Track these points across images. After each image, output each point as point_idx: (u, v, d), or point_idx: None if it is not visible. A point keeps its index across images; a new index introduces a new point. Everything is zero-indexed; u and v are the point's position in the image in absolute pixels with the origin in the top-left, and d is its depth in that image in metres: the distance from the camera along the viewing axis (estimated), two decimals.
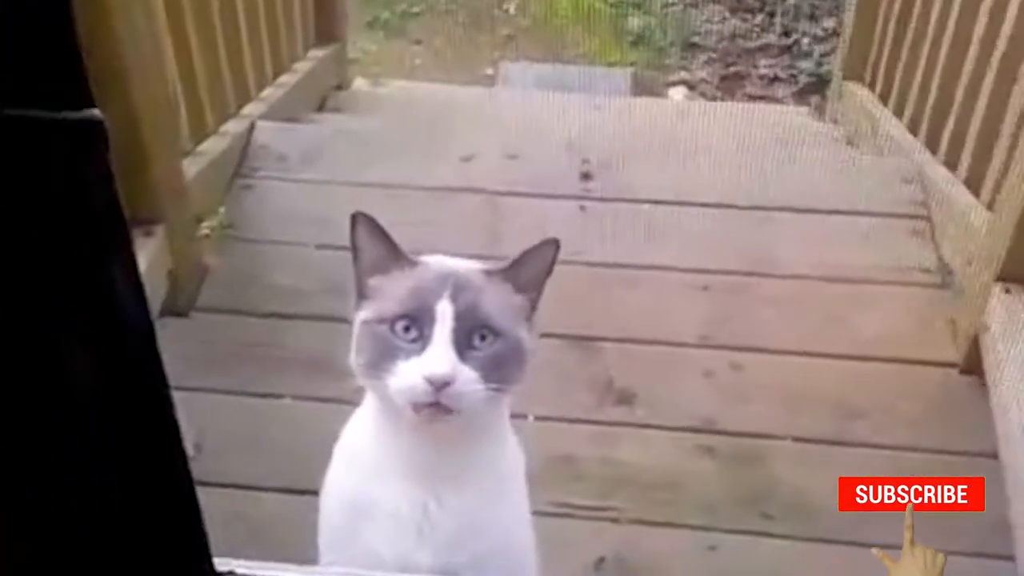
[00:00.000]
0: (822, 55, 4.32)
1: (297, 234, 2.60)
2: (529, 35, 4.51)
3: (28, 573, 0.78)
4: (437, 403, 1.13)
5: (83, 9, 0.53)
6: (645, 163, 2.79)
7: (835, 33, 4.19)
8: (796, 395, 2.28)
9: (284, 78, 3.23)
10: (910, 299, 2.50)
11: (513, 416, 1.31)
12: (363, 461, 1.29)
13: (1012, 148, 2.23)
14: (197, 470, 0.75)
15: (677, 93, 4.30)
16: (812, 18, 4.50)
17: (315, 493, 1.34)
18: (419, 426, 1.18)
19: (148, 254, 2.21)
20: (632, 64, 4.38)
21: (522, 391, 1.22)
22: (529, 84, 4.15)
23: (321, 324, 2.17)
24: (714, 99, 4.29)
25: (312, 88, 3.44)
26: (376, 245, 1.20)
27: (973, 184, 2.52)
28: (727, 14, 4.61)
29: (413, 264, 1.21)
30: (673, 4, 4.69)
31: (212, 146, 2.73)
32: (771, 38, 4.48)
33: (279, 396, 2.24)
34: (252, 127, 2.92)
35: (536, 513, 1.39)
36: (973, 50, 2.55)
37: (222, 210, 2.68)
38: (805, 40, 4.43)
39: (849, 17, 3.42)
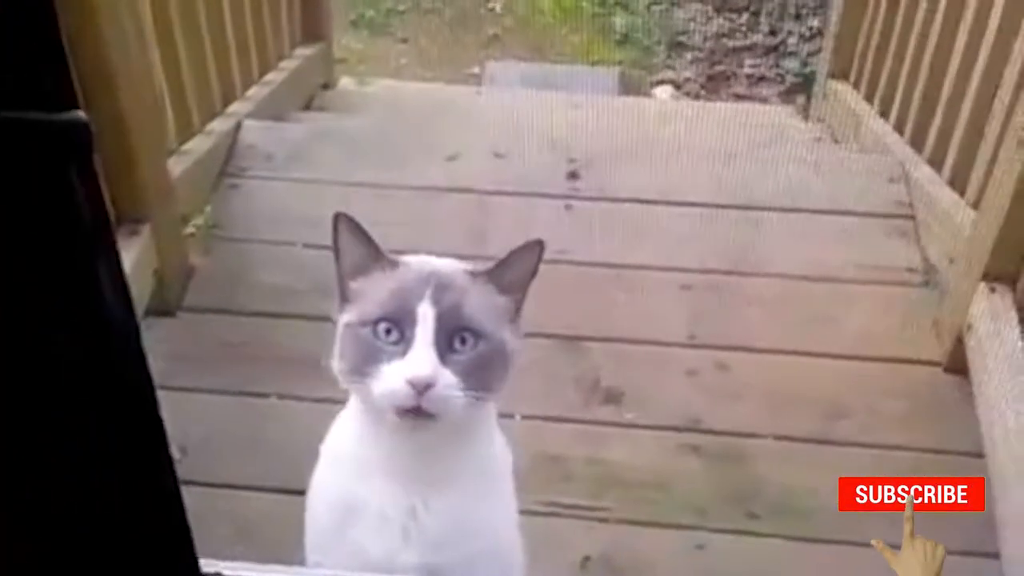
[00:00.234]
0: (808, 54, 4.33)
1: (284, 233, 2.60)
2: (515, 34, 4.51)
3: (12, 571, 0.78)
4: (419, 408, 1.12)
5: (68, 9, 0.53)
6: (631, 162, 2.79)
7: (820, 32, 4.19)
8: (782, 394, 2.28)
9: (270, 76, 3.22)
10: (895, 298, 2.51)
11: (500, 416, 1.31)
12: (349, 462, 1.28)
13: (997, 147, 2.23)
14: (183, 470, 0.75)
15: (663, 92, 4.30)
16: (798, 17, 4.50)
17: (303, 493, 1.34)
18: (402, 431, 1.18)
19: (134, 253, 2.20)
20: (618, 63, 4.38)
21: (509, 391, 1.22)
22: (515, 83, 4.14)
23: (308, 323, 2.16)
24: (700, 98, 4.29)
25: (298, 87, 3.43)
26: (357, 246, 1.19)
27: (958, 183, 2.53)
28: (712, 13, 4.61)
29: (394, 265, 1.20)
30: (658, 3, 4.69)
31: (198, 145, 2.72)
32: (757, 37, 4.49)
33: (266, 395, 2.24)
34: (238, 126, 2.91)
35: (523, 512, 1.39)
36: (959, 49, 2.56)
37: (208, 209, 2.68)
38: (791, 39, 4.44)
39: (834, 16, 3.43)
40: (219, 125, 2.85)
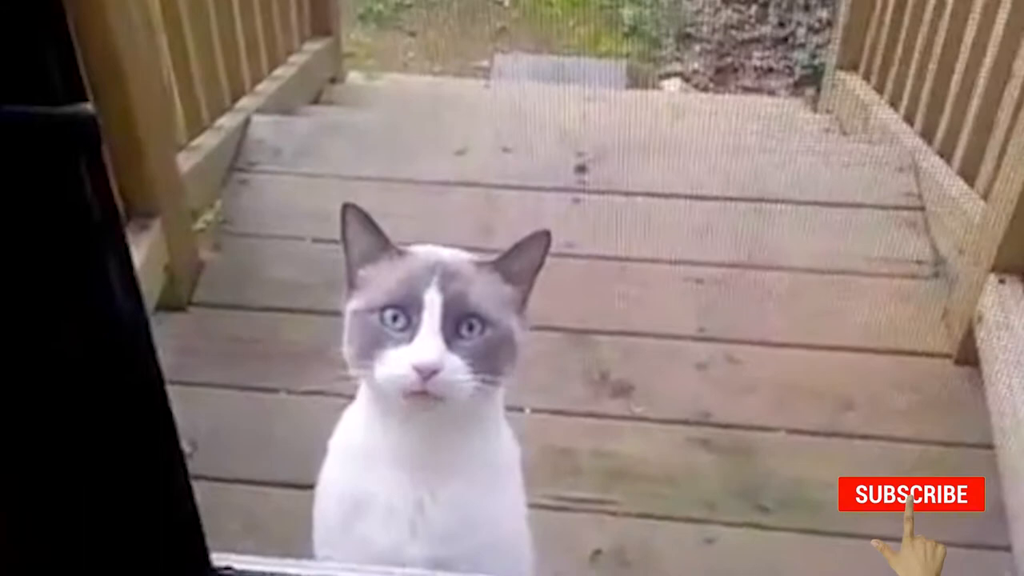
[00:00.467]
0: (817, 46, 4.32)
1: (293, 228, 2.60)
2: (523, 27, 4.51)
3: (25, 568, 0.78)
4: (425, 391, 1.13)
5: (77, 3, 0.53)
6: (639, 155, 2.78)
7: (829, 24, 4.18)
8: (792, 387, 2.28)
9: (279, 71, 3.22)
10: (905, 290, 2.50)
11: (509, 409, 1.31)
12: (357, 455, 1.29)
13: (1007, 138, 2.23)
14: (194, 465, 0.75)
15: (671, 85, 4.29)
16: (807, 9, 4.49)
17: (312, 487, 1.34)
18: (409, 415, 1.19)
19: (144, 249, 2.20)
20: (626, 56, 4.37)
21: (518, 384, 1.23)
22: (523, 76, 4.13)
23: (318, 318, 2.16)
24: (708, 91, 4.28)
25: (307, 81, 3.43)
26: (365, 236, 1.20)
27: (968, 174, 2.52)
28: (721, 5, 4.60)
29: (402, 254, 1.21)
30: None
31: (207, 140, 2.72)
32: (766, 29, 4.48)
33: (276, 390, 2.24)
34: (247, 121, 2.92)
35: (532, 506, 1.39)
36: (969, 39, 2.55)
37: (218, 204, 2.68)
38: (800, 31, 4.43)
39: (844, 7, 3.41)
40: (228, 120, 2.85)
